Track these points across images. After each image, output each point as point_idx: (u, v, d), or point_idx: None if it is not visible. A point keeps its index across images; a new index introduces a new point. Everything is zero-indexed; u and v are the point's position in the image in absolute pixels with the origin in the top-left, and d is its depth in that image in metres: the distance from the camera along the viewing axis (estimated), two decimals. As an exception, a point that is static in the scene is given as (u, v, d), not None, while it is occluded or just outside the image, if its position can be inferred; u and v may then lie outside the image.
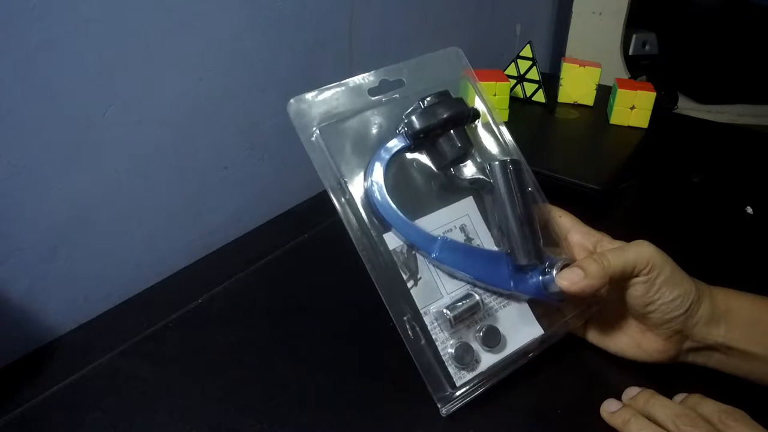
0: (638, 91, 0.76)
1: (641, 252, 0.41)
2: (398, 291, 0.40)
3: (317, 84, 0.42)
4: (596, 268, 0.40)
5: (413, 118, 0.42)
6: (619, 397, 0.42)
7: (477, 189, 0.45)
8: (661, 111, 0.80)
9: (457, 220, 0.44)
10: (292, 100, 0.41)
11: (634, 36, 1.08)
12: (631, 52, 1.08)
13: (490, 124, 0.47)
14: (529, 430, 0.41)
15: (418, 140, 0.42)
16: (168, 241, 0.57)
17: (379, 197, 0.40)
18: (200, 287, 0.54)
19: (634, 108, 0.77)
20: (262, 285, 0.55)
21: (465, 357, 0.40)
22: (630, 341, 0.45)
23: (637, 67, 1.05)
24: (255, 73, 0.60)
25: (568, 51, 1.05)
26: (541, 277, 0.43)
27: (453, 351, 0.40)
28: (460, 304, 0.41)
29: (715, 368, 0.44)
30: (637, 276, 0.41)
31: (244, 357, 0.46)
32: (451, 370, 0.40)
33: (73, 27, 0.44)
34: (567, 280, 0.41)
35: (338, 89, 0.42)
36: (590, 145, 0.77)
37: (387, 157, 0.42)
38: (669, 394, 0.41)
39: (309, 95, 0.41)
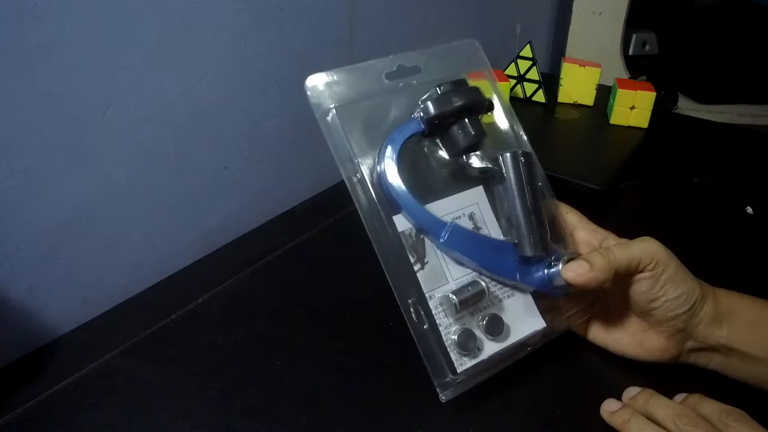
0: (638, 91, 0.76)
1: (647, 248, 0.41)
2: (405, 273, 0.40)
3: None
4: (602, 261, 0.41)
5: (428, 103, 0.42)
6: (619, 397, 0.42)
7: (487, 178, 0.45)
8: (661, 111, 0.80)
9: (466, 208, 0.44)
10: (309, 78, 0.41)
11: (634, 36, 1.08)
12: (631, 52, 1.08)
13: (503, 116, 0.47)
14: (530, 430, 0.41)
15: (432, 126, 0.42)
16: (168, 241, 0.57)
17: (390, 179, 0.40)
18: (200, 287, 0.54)
19: (634, 108, 0.77)
20: (262, 285, 0.55)
21: (468, 343, 0.40)
22: (632, 339, 0.45)
23: (637, 67, 1.05)
24: (255, 73, 0.60)
25: (568, 51, 1.05)
26: (546, 270, 0.43)
27: (456, 337, 0.40)
28: (467, 289, 0.41)
29: (715, 370, 0.44)
30: (641, 272, 0.41)
31: (244, 357, 0.46)
32: (453, 356, 0.40)
33: (73, 27, 0.44)
34: (572, 272, 0.41)
35: (356, 71, 0.42)
36: (590, 145, 0.77)
37: (400, 139, 0.42)
38: (669, 394, 0.41)
39: (327, 75, 0.41)
